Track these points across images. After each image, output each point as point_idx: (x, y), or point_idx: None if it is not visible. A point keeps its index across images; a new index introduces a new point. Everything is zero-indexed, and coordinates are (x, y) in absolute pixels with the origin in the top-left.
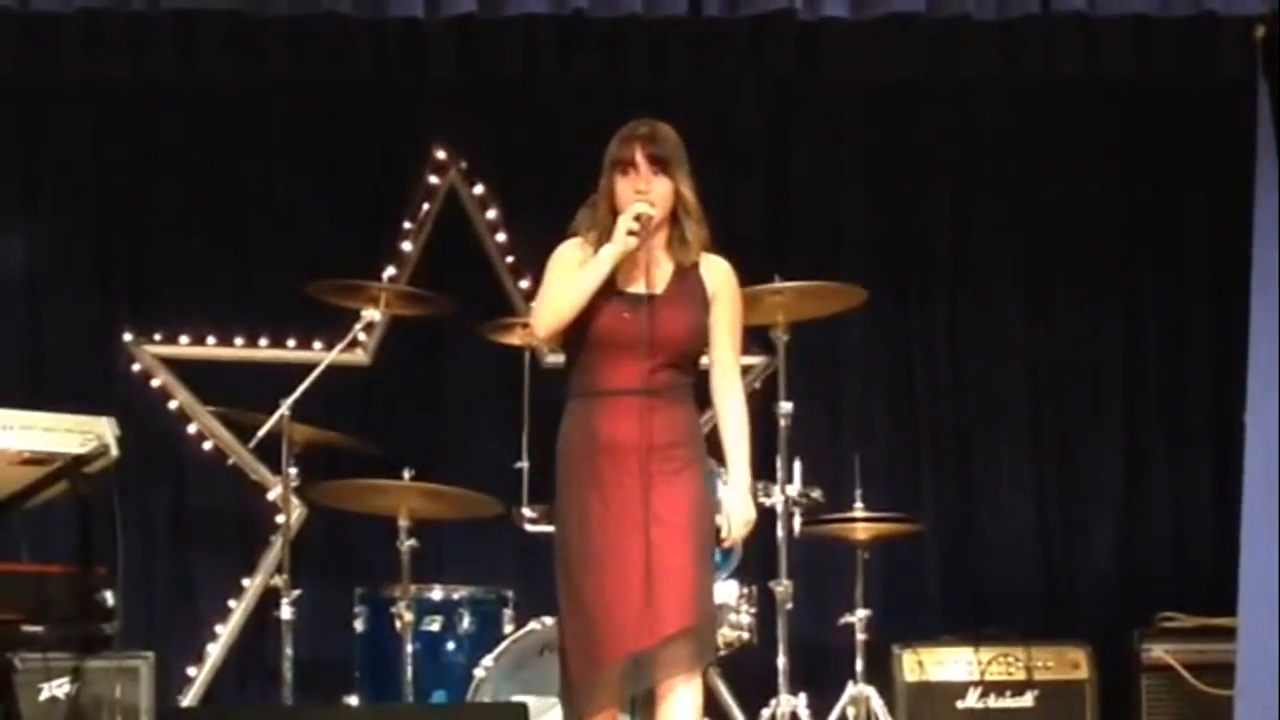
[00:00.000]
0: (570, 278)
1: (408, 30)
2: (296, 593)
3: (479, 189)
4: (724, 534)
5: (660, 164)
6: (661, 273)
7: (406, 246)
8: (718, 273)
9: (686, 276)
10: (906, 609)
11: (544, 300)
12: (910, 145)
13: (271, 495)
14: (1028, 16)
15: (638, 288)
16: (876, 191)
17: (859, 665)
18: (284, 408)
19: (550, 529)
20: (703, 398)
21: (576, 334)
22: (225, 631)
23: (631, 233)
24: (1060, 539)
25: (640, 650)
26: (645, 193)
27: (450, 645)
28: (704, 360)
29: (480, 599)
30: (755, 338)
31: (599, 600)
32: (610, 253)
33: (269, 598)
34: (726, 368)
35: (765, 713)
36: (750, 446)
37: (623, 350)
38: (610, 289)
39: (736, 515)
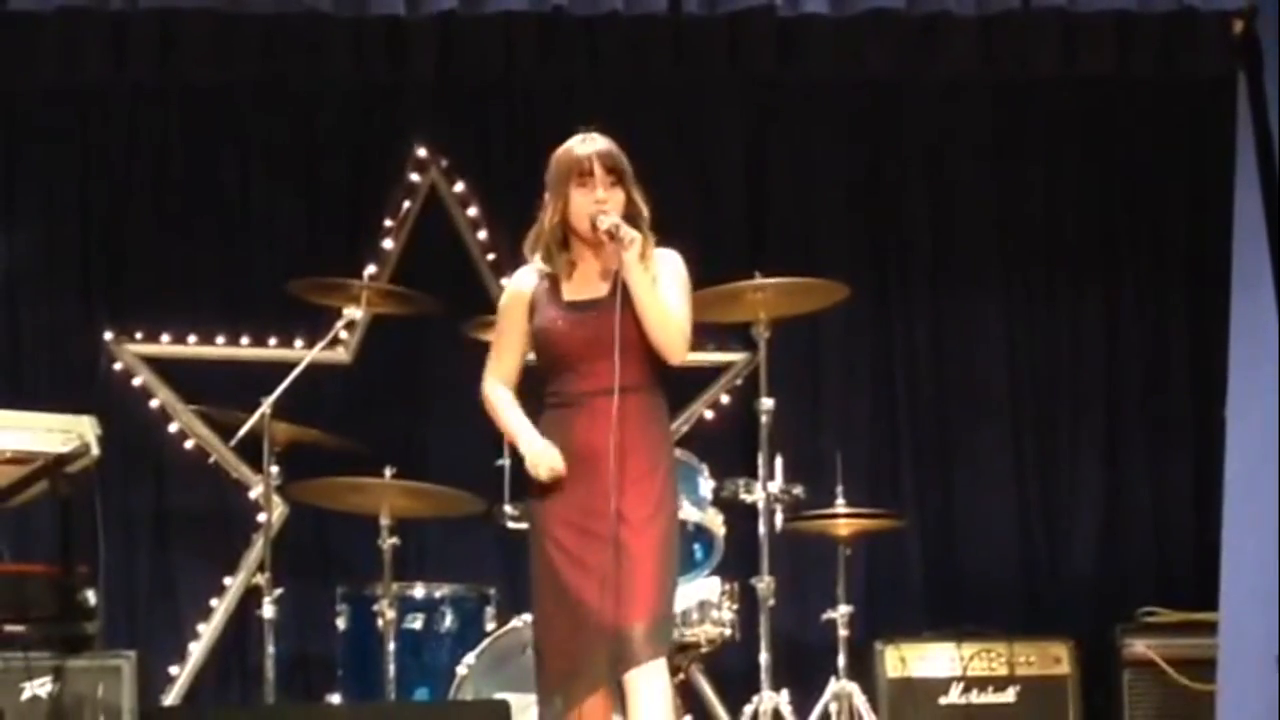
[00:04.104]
0: (505, 406)
1: (388, 28)
2: (278, 591)
3: (460, 186)
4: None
5: (616, 174)
6: (608, 279)
7: (387, 244)
8: (659, 259)
9: None
10: (889, 605)
11: (489, 388)
12: (890, 141)
13: (253, 494)
14: (1007, 12)
15: (588, 294)
16: (857, 188)
17: (841, 661)
18: (265, 406)
19: None
20: (674, 402)
21: (539, 353)
22: (207, 630)
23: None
24: (1042, 534)
25: (609, 639)
26: (604, 202)
27: (432, 643)
28: (687, 359)
29: (462, 597)
30: (736, 334)
31: (574, 600)
32: (525, 440)
33: (251, 596)
34: None
35: (748, 709)
36: (670, 319)
37: (583, 357)
38: (558, 302)
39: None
